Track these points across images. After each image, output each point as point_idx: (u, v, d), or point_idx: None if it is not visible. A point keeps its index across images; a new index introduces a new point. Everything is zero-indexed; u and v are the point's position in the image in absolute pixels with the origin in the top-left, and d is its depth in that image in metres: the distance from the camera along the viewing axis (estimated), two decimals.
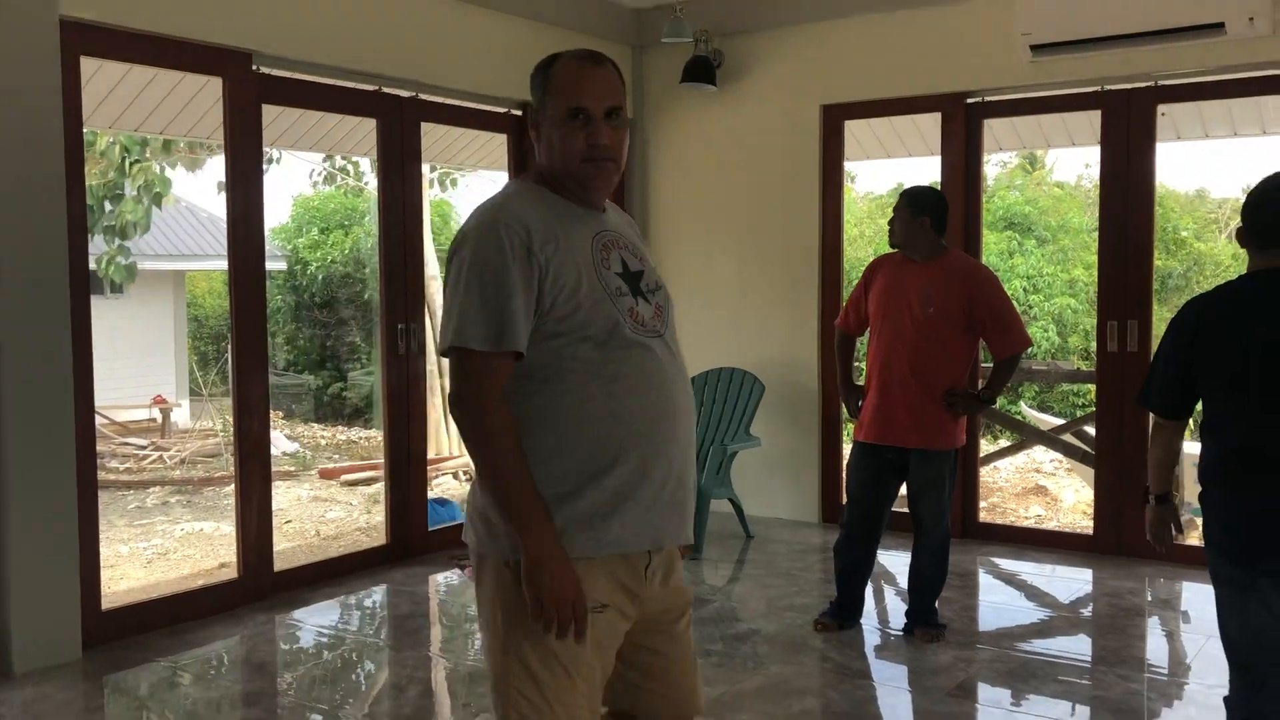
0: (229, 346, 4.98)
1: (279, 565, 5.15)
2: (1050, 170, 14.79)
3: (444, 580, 5.37)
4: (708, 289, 6.59)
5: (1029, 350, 4.46)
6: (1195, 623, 4.78)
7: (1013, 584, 5.43)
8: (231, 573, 5.13)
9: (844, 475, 4.58)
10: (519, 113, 6.17)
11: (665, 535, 2.07)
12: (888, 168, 14.18)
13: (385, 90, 5.48)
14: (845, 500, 4.57)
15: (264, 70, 4.91)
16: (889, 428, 4.31)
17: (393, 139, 5.55)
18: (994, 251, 11.84)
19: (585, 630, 1.95)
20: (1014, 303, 4.45)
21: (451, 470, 10.16)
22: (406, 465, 5.65)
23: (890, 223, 4.39)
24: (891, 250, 4.50)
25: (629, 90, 6.68)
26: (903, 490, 4.49)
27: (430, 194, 11.31)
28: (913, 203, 4.33)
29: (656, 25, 6.32)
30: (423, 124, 5.76)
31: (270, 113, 5.26)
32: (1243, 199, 2.73)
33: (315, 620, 4.76)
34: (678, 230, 6.71)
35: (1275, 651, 2.55)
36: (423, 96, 5.66)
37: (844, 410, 5.22)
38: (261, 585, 4.95)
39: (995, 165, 14.65)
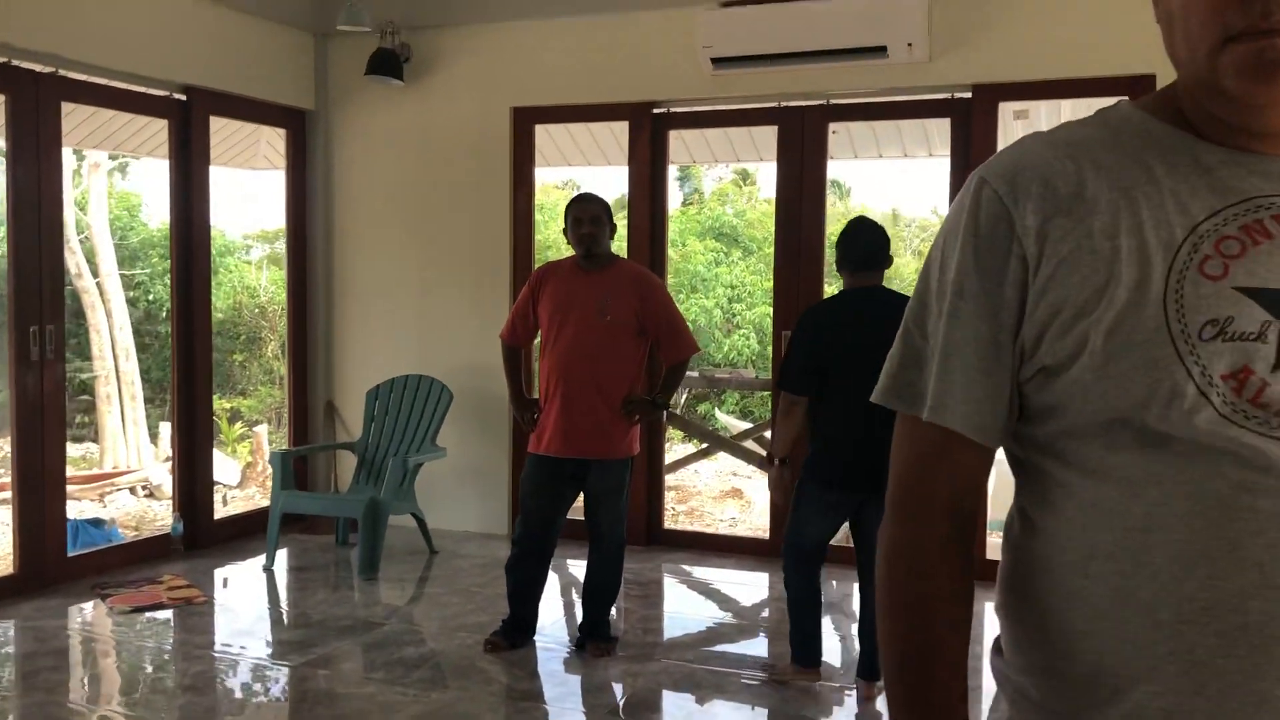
0: None
1: None
2: (759, 186, 15.39)
3: (85, 613, 4.80)
4: (394, 292, 6.30)
5: (700, 355, 4.50)
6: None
7: (694, 591, 5.47)
8: None
9: (514, 491, 4.44)
10: (182, 97, 5.65)
11: None
12: (590, 175, 14.19)
13: (16, 64, 4.86)
14: (518, 516, 4.41)
15: None
16: (572, 440, 4.20)
17: (25, 119, 4.93)
18: (701, 261, 12.15)
19: None
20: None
21: (129, 485, 9.32)
22: (40, 482, 5.03)
23: (578, 229, 4.24)
24: (557, 259, 4.43)
25: (311, 82, 6.35)
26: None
27: (94, 183, 10.34)
28: (607, 210, 4.29)
29: (340, 12, 5.97)
30: (69, 104, 5.19)
31: None
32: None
33: None
34: (363, 229, 6.37)
35: (827, 545, 3.89)
36: (65, 73, 5.07)
37: None
38: None
39: (712, 180, 15.11)
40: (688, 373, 4.73)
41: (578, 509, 4.47)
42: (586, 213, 4.24)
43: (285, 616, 4.94)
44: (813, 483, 3.79)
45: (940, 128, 6.47)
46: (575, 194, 4.40)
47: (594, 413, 4.19)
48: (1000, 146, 5.31)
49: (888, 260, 3.83)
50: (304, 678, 4.07)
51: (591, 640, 4.33)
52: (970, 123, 5.26)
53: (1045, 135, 1.07)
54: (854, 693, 3.97)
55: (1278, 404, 0.90)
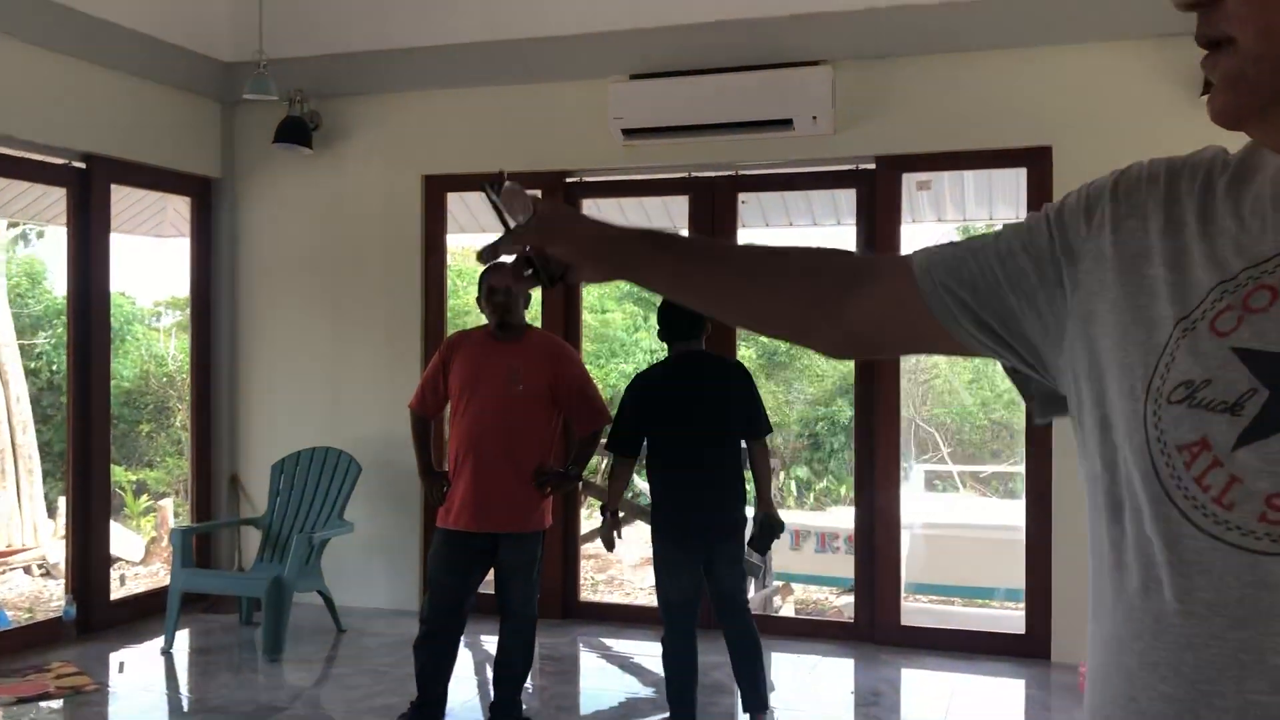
0: None
1: None
2: None
3: None
4: (302, 362, 6.18)
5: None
6: (779, 692, 4.91)
7: (612, 664, 5.39)
8: None
9: (425, 566, 4.32)
10: (82, 165, 5.52)
11: None
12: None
13: None
14: (425, 593, 4.29)
15: None
16: (483, 514, 4.11)
17: None
18: (621, 326, 12.17)
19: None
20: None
21: (24, 564, 8.93)
22: None
23: (492, 298, 4.18)
24: (469, 328, 4.38)
25: (218, 150, 6.26)
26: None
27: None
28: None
29: (247, 80, 5.91)
30: None
31: None
32: None
33: None
34: (270, 299, 6.26)
35: (694, 600, 4.07)
36: None
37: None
38: None
39: None
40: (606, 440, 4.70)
41: (489, 583, 4.37)
42: (501, 282, 4.20)
43: (184, 702, 4.75)
44: (657, 541, 4.07)
45: (847, 197, 6.59)
46: (490, 263, 4.36)
47: (505, 485, 4.12)
48: (904, 215, 5.44)
49: (703, 327, 4.14)
50: None
51: None
52: (875, 193, 5.36)
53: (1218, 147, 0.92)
54: None
55: (1220, 489, 0.76)
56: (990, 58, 5.10)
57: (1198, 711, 0.76)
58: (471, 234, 8.92)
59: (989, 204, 7.60)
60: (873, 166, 5.36)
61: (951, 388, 12.14)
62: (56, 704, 4.54)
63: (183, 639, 5.49)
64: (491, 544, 4.16)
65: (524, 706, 4.32)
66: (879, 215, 5.35)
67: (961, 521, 8.36)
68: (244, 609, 5.81)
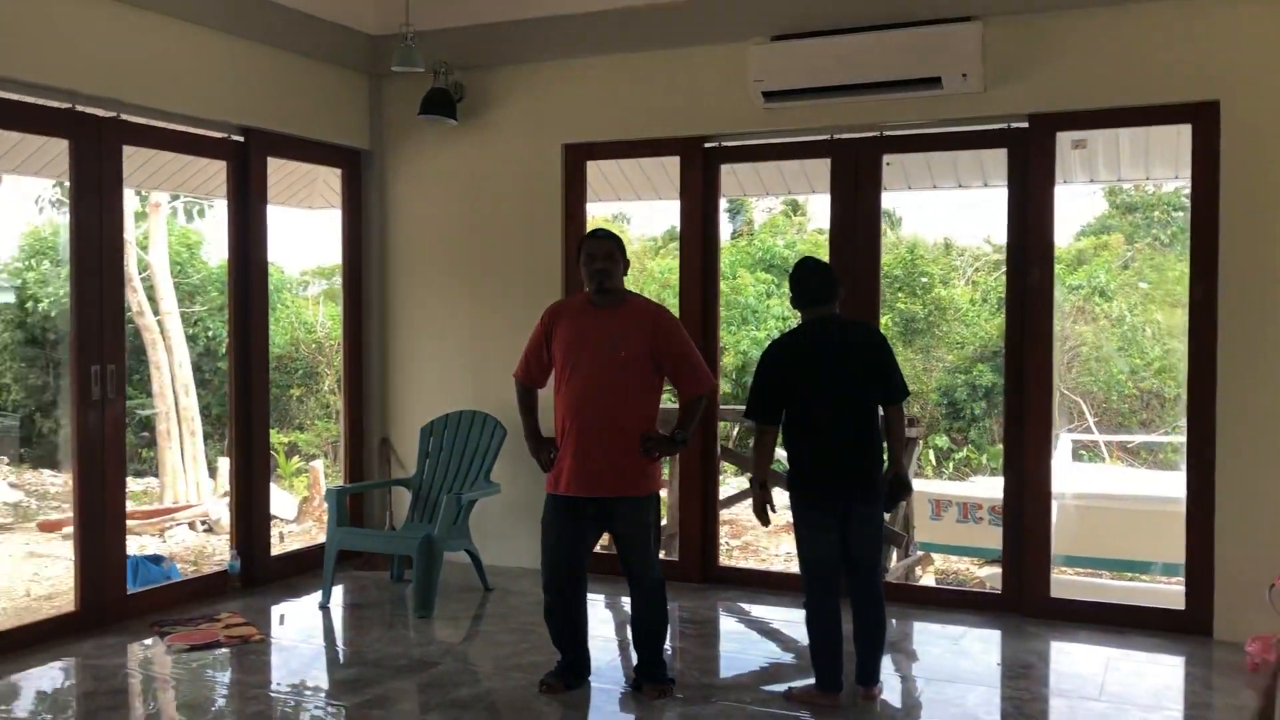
0: None
1: None
2: (809, 217, 15.32)
3: (144, 652, 4.83)
4: (448, 328, 6.33)
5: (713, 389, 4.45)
6: (923, 662, 4.84)
7: (751, 629, 5.39)
8: None
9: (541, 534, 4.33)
10: (241, 139, 5.75)
11: None
12: (641, 208, 13.93)
13: (80, 109, 4.97)
14: (543, 560, 4.34)
15: None
16: (590, 479, 4.15)
17: (88, 162, 5.03)
18: (752, 293, 12.09)
19: None
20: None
21: (188, 520, 9.43)
22: (101, 520, 5.09)
23: (591, 265, 4.19)
24: (568, 297, 4.41)
25: (365, 120, 6.43)
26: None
27: (155, 222, 10.53)
28: (620, 247, 4.26)
29: (394, 54, 6.04)
30: (130, 147, 5.30)
31: None
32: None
33: None
34: (417, 266, 6.42)
35: (836, 563, 4.08)
36: (126, 117, 5.17)
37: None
38: None
39: (762, 211, 15.06)
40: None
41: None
42: (600, 249, 4.20)
43: (341, 655, 4.94)
44: (797, 504, 4.12)
45: (996, 157, 6.38)
46: (589, 230, 4.39)
47: (611, 451, 4.14)
48: (1057, 176, 5.23)
49: (837, 292, 4.16)
50: (359, 719, 4.05)
51: (648, 681, 4.27)
52: (1027, 153, 5.18)
53: None
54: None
55: None
56: (1153, 7, 4.85)
57: None
58: (608, 202, 8.97)
59: (1145, 164, 7.25)
60: (1025, 125, 5.16)
61: (1101, 355, 11.69)
62: (226, 652, 4.79)
63: (338, 594, 5.72)
64: (603, 509, 4.19)
65: (669, 668, 4.36)
66: (1031, 176, 5.16)
67: (1114, 492, 8.06)
68: (395, 566, 6.02)
